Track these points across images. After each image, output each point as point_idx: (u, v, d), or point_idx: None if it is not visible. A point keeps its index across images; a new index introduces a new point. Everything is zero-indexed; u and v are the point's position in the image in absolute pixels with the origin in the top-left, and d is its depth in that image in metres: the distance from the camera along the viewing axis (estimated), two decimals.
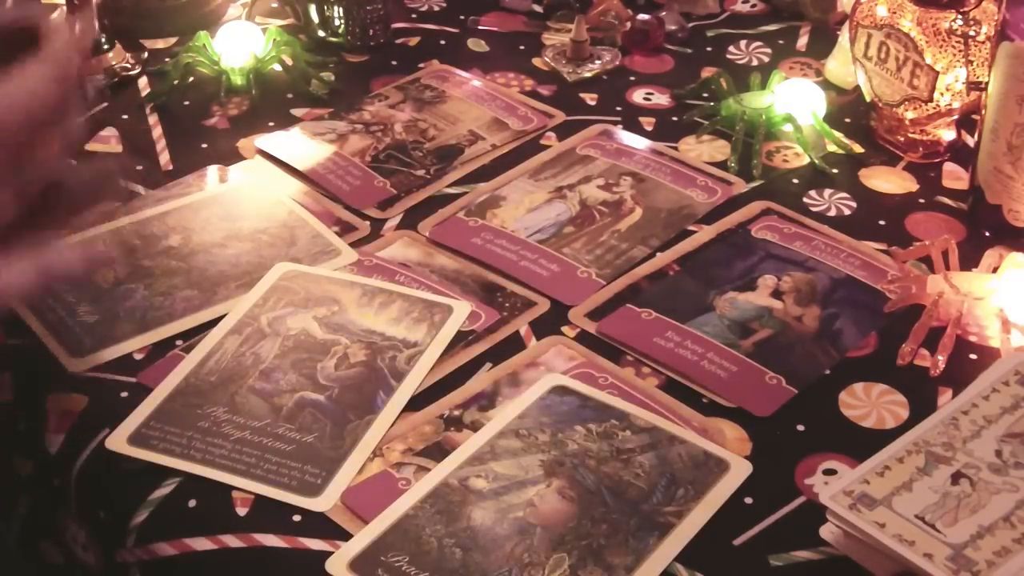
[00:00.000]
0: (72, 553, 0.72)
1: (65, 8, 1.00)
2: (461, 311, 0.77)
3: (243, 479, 0.66)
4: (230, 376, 0.73)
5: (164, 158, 0.94)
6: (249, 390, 0.72)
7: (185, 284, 0.80)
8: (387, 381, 0.72)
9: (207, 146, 0.95)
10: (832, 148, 0.96)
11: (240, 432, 0.69)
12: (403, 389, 0.72)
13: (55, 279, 0.57)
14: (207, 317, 0.77)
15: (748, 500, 0.65)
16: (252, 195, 0.89)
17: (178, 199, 0.88)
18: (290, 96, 1.02)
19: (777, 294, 0.80)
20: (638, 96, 1.03)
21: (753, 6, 1.18)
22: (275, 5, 1.15)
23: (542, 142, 0.96)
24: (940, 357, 0.74)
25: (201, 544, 0.63)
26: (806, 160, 0.94)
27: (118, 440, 0.68)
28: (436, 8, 1.17)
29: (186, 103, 1.01)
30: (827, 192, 0.91)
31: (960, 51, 0.87)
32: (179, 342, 0.76)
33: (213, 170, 0.92)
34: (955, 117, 0.92)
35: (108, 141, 0.95)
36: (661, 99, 1.03)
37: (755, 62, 1.08)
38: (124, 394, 0.72)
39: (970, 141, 0.93)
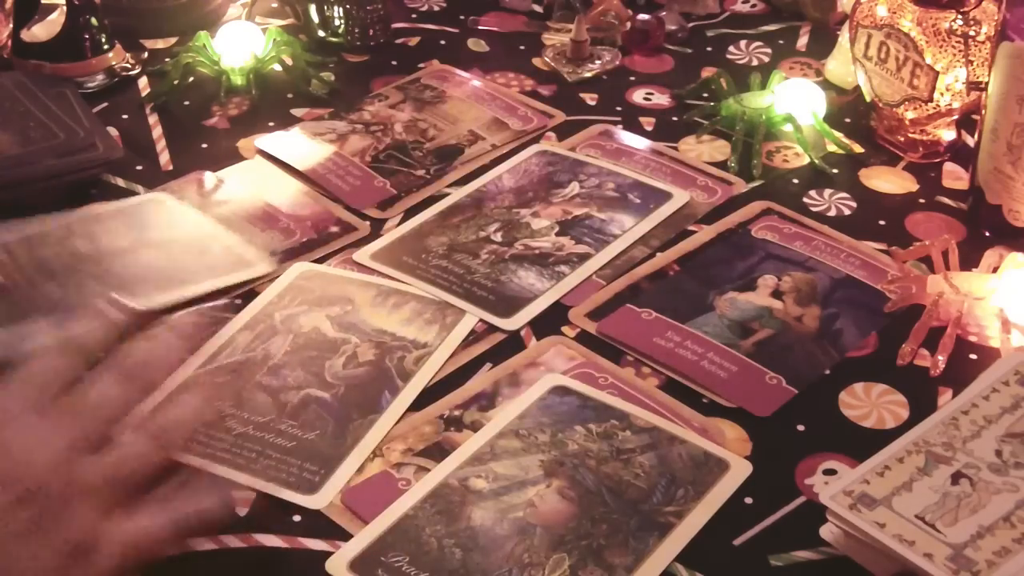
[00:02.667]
0: None
1: (65, 8, 1.01)
2: (473, 315, 0.77)
3: (241, 474, 0.66)
4: (238, 371, 0.73)
5: (164, 158, 0.94)
6: (256, 386, 0.72)
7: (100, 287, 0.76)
8: (393, 381, 0.72)
9: (207, 146, 0.95)
10: (832, 148, 0.96)
11: (243, 427, 0.69)
12: (408, 390, 0.72)
13: (193, 530, 0.58)
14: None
15: (748, 500, 0.65)
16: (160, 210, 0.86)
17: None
18: (290, 96, 1.02)
19: (777, 294, 0.80)
20: (638, 96, 1.03)
21: (753, 6, 1.18)
22: (275, 5, 1.15)
23: (542, 142, 0.96)
24: (940, 357, 0.74)
25: (201, 544, 0.63)
26: (806, 160, 0.94)
27: None
28: (436, 8, 1.17)
29: (186, 103, 1.01)
30: (827, 192, 0.91)
31: (960, 51, 0.87)
32: None
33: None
34: (955, 117, 0.92)
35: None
36: (661, 99, 1.03)
37: (755, 62, 1.09)
38: None
39: (970, 141, 0.93)
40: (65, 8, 1.01)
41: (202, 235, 0.83)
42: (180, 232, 0.84)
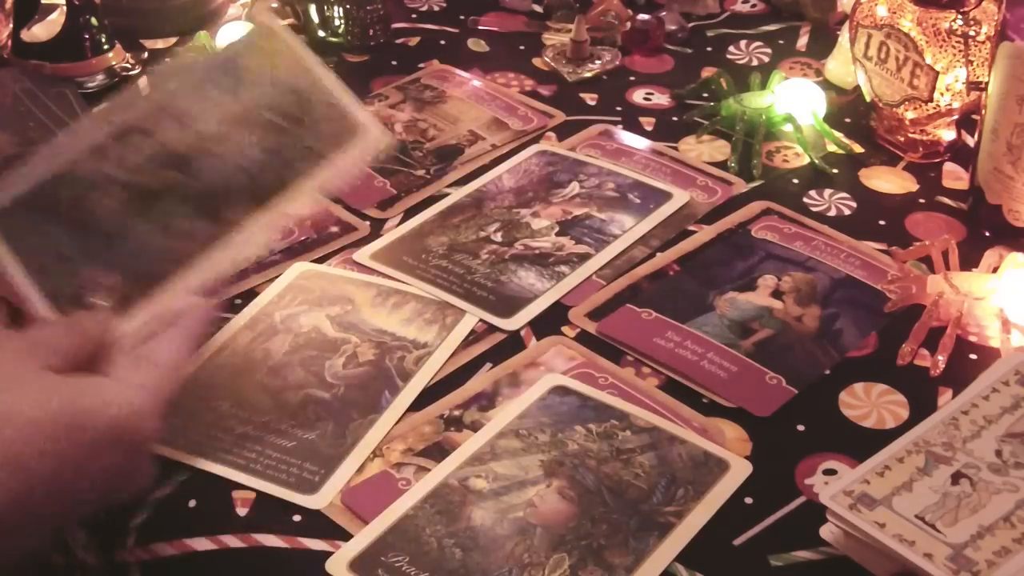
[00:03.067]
0: (72, 553, 0.72)
1: (65, 8, 1.01)
2: (473, 315, 0.77)
3: (241, 474, 0.66)
4: (239, 371, 0.73)
5: None
6: (256, 386, 0.72)
7: (187, 209, 0.64)
8: (393, 381, 0.72)
9: None
10: (832, 148, 0.96)
11: (243, 427, 0.69)
12: (408, 390, 0.72)
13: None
14: (218, 265, 0.63)
15: (748, 500, 0.65)
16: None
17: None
18: None
19: (777, 294, 0.80)
20: (638, 96, 1.03)
21: (753, 6, 1.18)
22: (275, 5, 1.15)
23: (542, 142, 0.96)
24: (940, 357, 0.74)
25: (201, 544, 0.63)
26: (806, 160, 0.94)
27: None
28: (436, 8, 1.17)
29: None
30: (827, 192, 0.91)
31: (960, 51, 0.87)
32: None
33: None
34: (955, 117, 0.92)
35: None
36: (661, 99, 1.03)
37: (755, 62, 1.09)
38: None
39: (970, 141, 0.93)
40: (65, 8, 1.01)
41: (302, 89, 0.67)
42: (275, 93, 0.67)
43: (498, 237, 0.84)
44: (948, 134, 0.94)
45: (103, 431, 0.52)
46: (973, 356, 0.75)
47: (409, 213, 0.88)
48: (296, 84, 0.66)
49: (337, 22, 1.08)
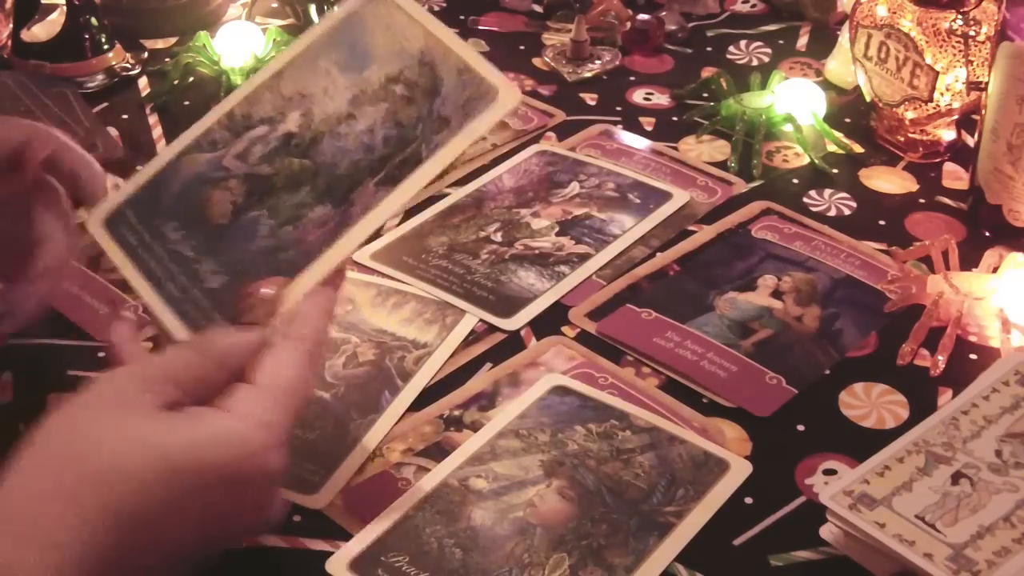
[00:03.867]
0: None
1: (65, 8, 1.01)
2: (473, 315, 0.77)
3: None
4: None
5: None
6: None
7: (314, 196, 0.60)
8: (393, 381, 0.72)
9: None
10: (832, 148, 0.96)
11: None
12: (408, 390, 0.72)
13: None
14: (346, 250, 0.57)
15: (748, 500, 0.65)
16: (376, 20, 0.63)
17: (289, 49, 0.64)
18: None
19: (777, 294, 0.80)
20: (638, 96, 1.03)
21: (753, 6, 1.18)
22: (275, 5, 1.15)
23: (542, 142, 0.96)
24: (940, 357, 0.74)
25: None
26: (806, 160, 0.94)
27: None
28: (436, 8, 1.17)
29: (186, 103, 1.01)
30: (827, 192, 0.91)
31: (960, 51, 0.87)
32: None
33: None
34: (955, 117, 0.92)
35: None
36: (661, 99, 1.03)
37: (755, 62, 1.09)
38: None
39: (970, 141, 0.93)
40: (65, 8, 1.01)
41: (427, 53, 0.61)
42: (403, 65, 0.61)
43: (498, 237, 0.84)
44: (948, 134, 0.94)
45: (226, 474, 0.49)
46: (973, 356, 0.75)
47: (409, 213, 0.88)
48: (423, 53, 0.61)
49: None
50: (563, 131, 0.98)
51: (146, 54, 1.07)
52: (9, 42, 1.02)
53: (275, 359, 0.53)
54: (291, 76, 0.63)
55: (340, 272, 0.57)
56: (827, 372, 0.74)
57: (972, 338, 0.77)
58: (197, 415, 0.50)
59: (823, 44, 1.09)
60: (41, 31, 1.02)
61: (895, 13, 0.90)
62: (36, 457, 0.47)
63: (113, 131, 0.96)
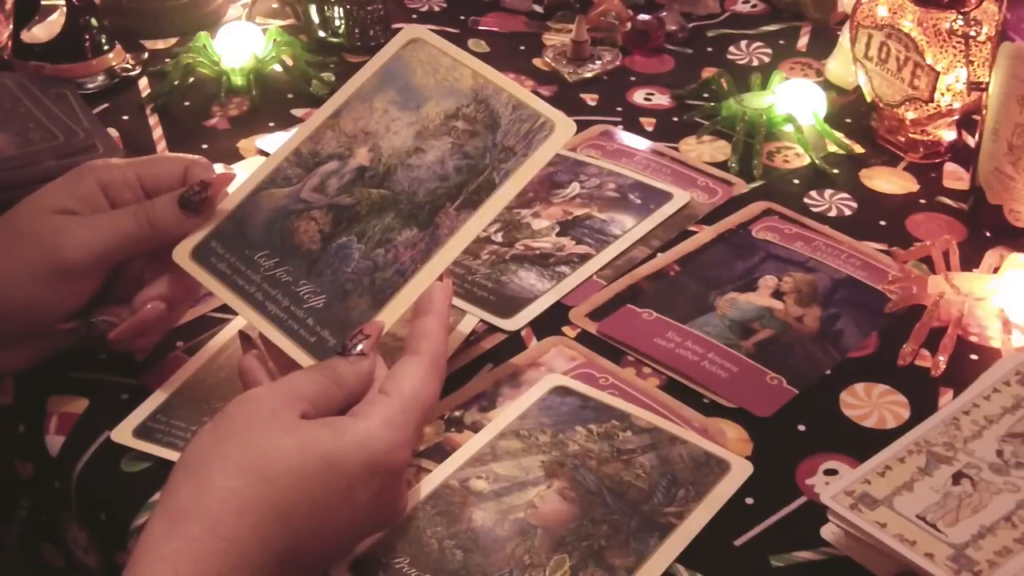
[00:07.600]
0: (73, 555, 0.72)
1: (65, 9, 1.01)
2: (473, 315, 0.77)
3: None
4: (238, 374, 0.72)
5: None
6: None
7: (399, 221, 0.65)
8: None
9: (207, 146, 0.95)
10: (833, 148, 0.96)
11: None
12: None
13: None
14: (439, 268, 0.63)
15: (749, 500, 0.65)
16: (420, 61, 0.70)
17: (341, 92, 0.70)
18: (290, 96, 1.02)
19: (778, 294, 0.80)
20: (638, 96, 1.03)
21: (753, 6, 1.18)
22: (275, 5, 1.15)
23: None
24: (941, 357, 0.74)
25: None
26: (807, 160, 0.94)
27: (123, 432, 0.68)
28: (436, 8, 1.17)
29: (186, 104, 1.01)
30: (828, 192, 0.91)
31: (961, 51, 0.87)
32: (179, 343, 0.75)
33: None
34: (956, 117, 0.92)
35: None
36: (662, 99, 1.03)
37: (756, 62, 1.09)
38: (125, 396, 0.71)
39: (971, 141, 0.93)
40: (65, 9, 1.01)
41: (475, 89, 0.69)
42: (458, 103, 0.68)
43: (498, 237, 0.84)
44: (949, 134, 0.94)
45: (359, 472, 0.55)
46: (974, 356, 0.75)
47: None
48: (475, 92, 0.68)
49: (337, 22, 1.09)
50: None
51: (146, 55, 1.07)
52: (9, 43, 1.02)
53: (402, 371, 0.60)
54: (349, 116, 0.69)
55: (447, 289, 0.63)
56: (828, 372, 0.74)
57: (973, 338, 0.77)
58: (335, 422, 0.57)
59: (824, 44, 1.09)
60: (41, 32, 1.02)
61: (896, 13, 0.90)
62: (213, 464, 0.54)
63: (113, 132, 0.96)
